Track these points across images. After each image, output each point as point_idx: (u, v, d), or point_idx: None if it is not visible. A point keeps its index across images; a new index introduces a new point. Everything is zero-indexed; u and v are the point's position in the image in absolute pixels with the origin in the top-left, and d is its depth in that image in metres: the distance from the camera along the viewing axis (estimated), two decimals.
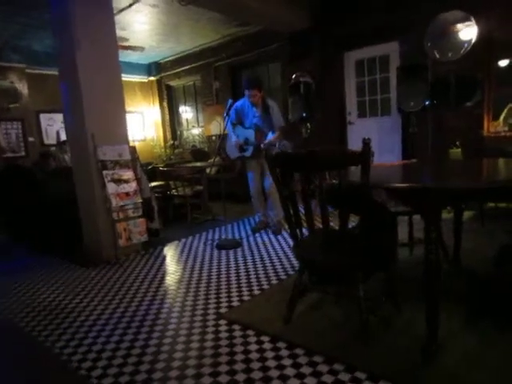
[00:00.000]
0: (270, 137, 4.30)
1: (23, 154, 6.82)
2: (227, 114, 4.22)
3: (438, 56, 4.70)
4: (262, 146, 4.20)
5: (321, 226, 2.26)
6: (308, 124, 6.19)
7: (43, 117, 7.46)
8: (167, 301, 2.83)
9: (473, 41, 4.49)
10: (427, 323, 1.87)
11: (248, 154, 4.38)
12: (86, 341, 2.33)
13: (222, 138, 4.65)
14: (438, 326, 1.87)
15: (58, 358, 2.18)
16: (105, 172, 3.78)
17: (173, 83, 9.50)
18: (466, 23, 4.53)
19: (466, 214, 3.78)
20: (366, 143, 1.85)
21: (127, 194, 3.87)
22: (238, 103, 4.46)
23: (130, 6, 5.56)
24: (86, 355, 2.16)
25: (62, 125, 6.94)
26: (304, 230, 2.27)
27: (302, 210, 2.15)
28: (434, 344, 1.87)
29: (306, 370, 1.85)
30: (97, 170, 3.78)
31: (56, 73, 4.14)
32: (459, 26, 4.57)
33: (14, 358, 2.27)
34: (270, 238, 4.27)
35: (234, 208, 5.70)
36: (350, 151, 1.88)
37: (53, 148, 6.97)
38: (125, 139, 4.06)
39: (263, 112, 4.33)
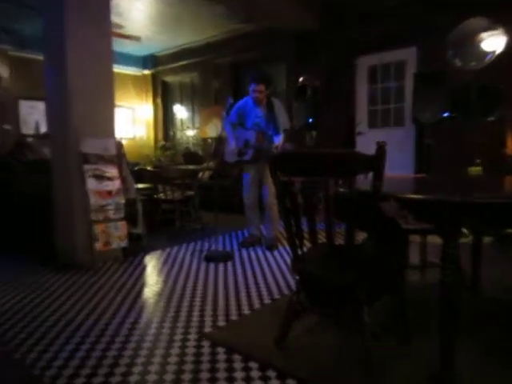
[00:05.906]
0: (276, 140, 4.18)
1: None
2: (227, 113, 4.14)
3: (459, 64, 4.64)
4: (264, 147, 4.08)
5: (323, 241, 2.16)
6: (313, 132, 6.12)
7: (23, 104, 7.35)
8: (144, 315, 2.70)
9: (498, 51, 4.44)
10: (441, 351, 1.76)
11: (247, 157, 4.25)
12: (46, 355, 2.19)
13: (219, 141, 4.54)
14: (453, 356, 1.76)
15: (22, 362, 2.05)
16: (86, 166, 3.67)
17: (169, 79, 9.46)
18: (491, 32, 4.48)
19: (484, 240, 3.69)
20: (381, 146, 1.76)
21: (109, 192, 3.75)
22: (241, 102, 4.37)
23: None
24: (44, 372, 2.03)
25: (43, 114, 6.83)
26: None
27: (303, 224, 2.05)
28: (448, 374, 1.76)
29: None
30: (77, 163, 3.67)
31: (41, 58, 4.05)
32: (484, 35, 4.52)
33: None
34: (264, 253, 4.16)
35: (227, 218, 5.59)
36: (362, 154, 1.78)
37: (30, 138, 6.83)
38: (112, 132, 3.97)
39: (267, 112, 4.23)
